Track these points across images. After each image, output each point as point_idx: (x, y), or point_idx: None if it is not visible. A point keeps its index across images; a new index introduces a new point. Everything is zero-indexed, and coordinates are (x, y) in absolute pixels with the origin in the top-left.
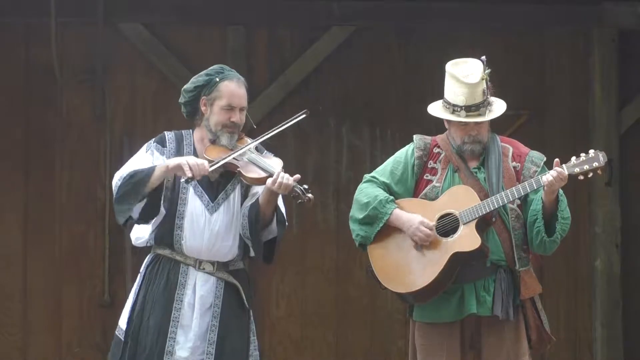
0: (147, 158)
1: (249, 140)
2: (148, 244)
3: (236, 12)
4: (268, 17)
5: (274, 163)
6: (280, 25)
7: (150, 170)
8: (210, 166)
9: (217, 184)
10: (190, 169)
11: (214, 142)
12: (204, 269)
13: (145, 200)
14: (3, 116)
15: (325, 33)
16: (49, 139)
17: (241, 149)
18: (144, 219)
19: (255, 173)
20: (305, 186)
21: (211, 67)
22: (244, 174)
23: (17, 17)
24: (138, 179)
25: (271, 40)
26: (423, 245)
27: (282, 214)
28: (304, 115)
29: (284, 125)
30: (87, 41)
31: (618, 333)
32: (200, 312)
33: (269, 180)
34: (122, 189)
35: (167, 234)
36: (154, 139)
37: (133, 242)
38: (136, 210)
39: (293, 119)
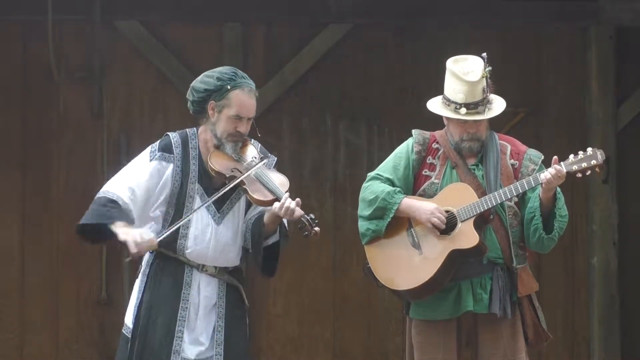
0: (147, 168)
1: (253, 144)
2: None
3: (233, 9)
4: (265, 14)
5: (280, 182)
6: (277, 22)
7: (111, 220)
8: (158, 238)
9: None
10: (136, 247)
11: (218, 147)
12: (206, 271)
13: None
14: (0, 114)
15: (322, 30)
16: (46, 136)
17: (240, 176)
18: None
19: (261, 194)
20: (312, 216)
21: (223, 70)
22: (250, 193)
23: (15, 14)
24: (101, 214)
25: (268, 38)
26: (421, 242)
27: (286, 227)
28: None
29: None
30: (84, 39)
31: (615, 330)
32: (205, 312)
33: (276, 206)
34: (92, 205)
35: (170, 242)
36: (158, 146)
37: None
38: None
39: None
